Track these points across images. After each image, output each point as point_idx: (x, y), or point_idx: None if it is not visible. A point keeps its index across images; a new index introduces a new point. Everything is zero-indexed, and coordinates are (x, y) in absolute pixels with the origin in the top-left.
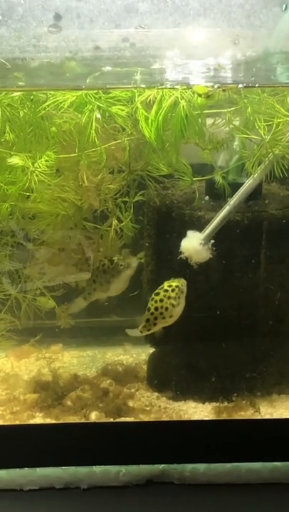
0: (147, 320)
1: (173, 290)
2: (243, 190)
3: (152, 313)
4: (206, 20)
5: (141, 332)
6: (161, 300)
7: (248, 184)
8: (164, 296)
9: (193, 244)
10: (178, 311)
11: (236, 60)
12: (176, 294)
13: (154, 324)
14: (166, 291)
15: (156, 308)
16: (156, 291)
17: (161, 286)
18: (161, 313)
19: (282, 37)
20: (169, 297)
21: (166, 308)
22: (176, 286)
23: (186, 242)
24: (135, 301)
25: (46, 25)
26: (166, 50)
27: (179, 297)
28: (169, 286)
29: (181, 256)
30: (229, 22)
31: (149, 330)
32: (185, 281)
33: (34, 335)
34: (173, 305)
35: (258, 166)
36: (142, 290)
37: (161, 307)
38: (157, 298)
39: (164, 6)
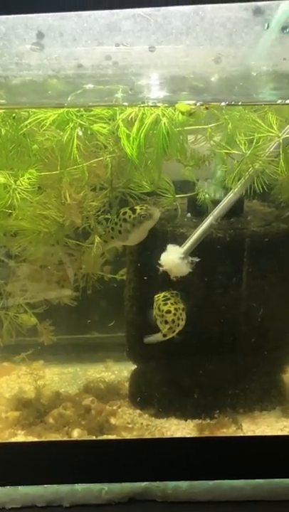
0: (166, 322)
1: (177, 295)
2: (223, 204)
3: (174, 314)
4: (188, 38)
5: (165, 335)
6: (176, 303)
7: (228, 199)
8: (176, 300)
9: (173, 258)
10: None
11: (219, 78)
12: (179, 300)
13: (178, 326)
14: (173, 296)
15: (175, 309)
16: (162, 299)
17: (162, 295)
18: (181, 315)
19: (264, 55)
20: (179, 301)
21: (182, 311)
22: (177, 294)
23: (165, 256)
24: (116, 318)
25: (29, 43)
26: (149, 68)
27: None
28: (172, 293)
29: (161, 269)
30: (211, 41)
31: (173, 332)
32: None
33: (15, 352)
34: (184, 308)
35: (238, 180)
36: (123, 307)
37: (178, 308)
38: (171, 301)
39: (146, 25)
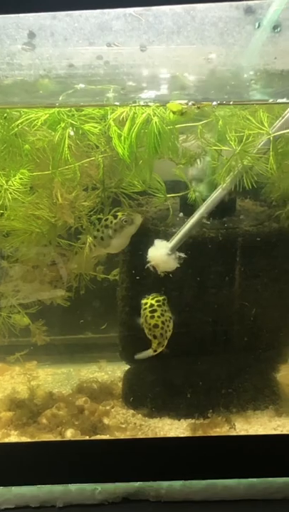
0: (155, 336)
1: (163, 303)
2: (211, 200)
3: (162, 328)
4: (179, 38)
5: (155, 351)
6: (162, 315)
7: (216, 194)
8: (163, 310)
9: (160, 253)
10: (172, 325)
11: (210, 78)
12: (168, 307)
13: (166, 338)
14: (159, 306)
15: (162, 322)
16: (149, 309)
17: (149, 304)
18: (168, 326)
19: (255, 54)
20: (166, 310)
21: (169, 321)
22: (164, 299)
23: (153, 251)
24: (109, 319)
25: (20, 43)
26: (140, 68)
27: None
28: (158, 300)
29: (149, 265)
30: (203, 40)
31: (163, 346)
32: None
33: (9, 353)
34: (170, 318)
35: (227, 176)
36: (116, 307)
37: (165, 321)
38: (157, 314)
39: (137, 25)
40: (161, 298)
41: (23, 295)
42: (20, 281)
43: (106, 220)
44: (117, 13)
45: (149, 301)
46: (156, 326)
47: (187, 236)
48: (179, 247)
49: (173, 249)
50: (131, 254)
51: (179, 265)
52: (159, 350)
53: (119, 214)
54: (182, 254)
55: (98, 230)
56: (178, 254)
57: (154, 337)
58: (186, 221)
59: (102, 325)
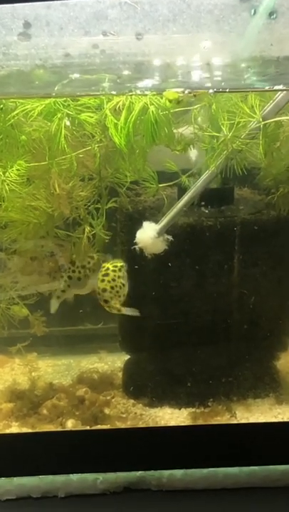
0: (105, 301)
1: (120, 270)
2: (201, 181)
3: (110, 292)
4: (175, 26)
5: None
6: (114, 280)
7: (206, 176)
8: (116, 276)
9: (148, 235)
10: (125, 291)
11: (206, 65)
12: (123, 273)
13: (117, 302)
14: (114, 271)
15: (112, 287)
16: (103, 272)
17: (105, 268)
18: (118, 292)
19: (251, 42)
20: (120, 276)
21: (120, 287)
22: (122, 266)
23: (141, 233)
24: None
25: (16, 33)
26: (136, 56)
27: (125, 276)
28: (115, 266)
29: (136, 247)
30: (199, 27)
31: (118, 310)
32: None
33: (9, 345)
34: (123, 284)
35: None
36: None
37: (115, 286)
38: (108, 278)
39: (133, 13)
40: (119, 264)
41: (21, 286)
42: (19, 272)
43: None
44: (112, 2)
45: (107, 265)
46: (104, 290)
47: (176, 219)
48: (170, 231)
49: (161, 232)
50: (129, 243)
51: (166, 247)
52: (114, 311)
53: (95, 255)
54: (170, 237)
55: (74, 271)
56: (166, 236)
57: (105, 301)
58: (184, 210)
59: (102, 316)
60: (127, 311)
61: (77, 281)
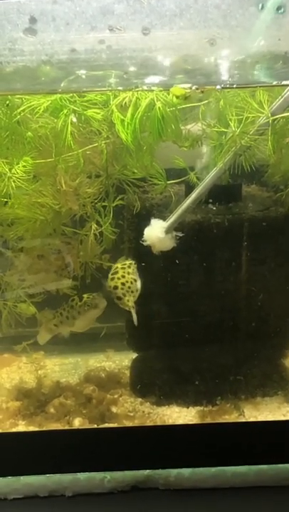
0: (119, 298)
1: (129, 267)
2: (209, 179)
3: (122, 288)
4: (182, 21)
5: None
6: (123, 276)
7: (214, 173)
8: (125, 272)
9: (156, 232)
10: (138, 286)
11: (214, 61)
12: (133, 269)
13: (131, 297)
14: (123, 268)
15: (122, 284)
16: (112, 271)
17: (114, 267)
18: (130, 287)
19: (259, 37)
20: (129, 273)
21: (131, 283)
22: (131, 263)
23: (149, 231)
24: (116, 307)
25: (21, 28)
26: (143, 52)
27: (136, 273)
28: (124, 264)
29: (144, 244)
30: (206, 23)
31: (131, 307)
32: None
33: (15, 343)
34: (135, 279)
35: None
36: None
37: (126, 282)
38: (118, 275)
39: (139, 8)
40: (128, 262)
41: (28, 285)
42: (26, 270)
43: (72, 300)
44: None
45: (116, 264)
46: (115, 287)
47: (184, 216)
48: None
49: (169, 229)
50: (136, 241)
51: (175, 245)
52: (128, 308)
53: (85, 296)
54: (179, 234)
55: (64, 310)
56: (174, 233)
57: (118, 299)
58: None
59: (109, 314)
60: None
61: (66, 319)
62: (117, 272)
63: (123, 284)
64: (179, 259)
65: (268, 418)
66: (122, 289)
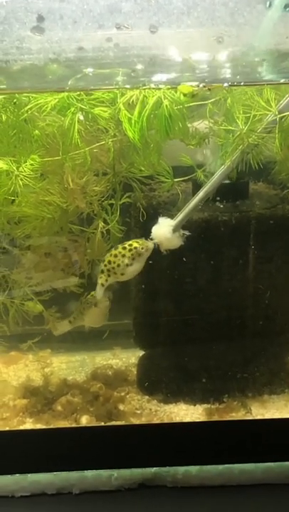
0: (102, 271)
1: (130, 250)
2: (216, 177)
3: (105, 265)
4: (189, 19)
5: (102, 285)
6: (116, 256)
7: (221, 172)
8: (119, 253)
9: (164, 230)
10: (131, 270)
11: (221, 59)
12: (132, 254)
13: (108, 276)
14: (123, 248)
15: (109, 262)
16: (117, 245)
17: (123, 243)
18: (113, 268)
19: (266, 34)
20: (124, 255)
21: (118, 265)
22: (135, 248)
23: (156, 229)
24: (123, 305)
25: (29, 26)
26: (150, 50)
27: (133, 258)
28: (129, 245)
29: (152, 242)
30: (213, 20)
31: (106, 280)
32: (150, 245)
33: (22, 341)
34: (127, 264)
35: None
36: (130, 293)
37: (114, 262)
38: (112, 253)
39: (147, 6)
40: (134, 245)
41: (35, 282)
42: (33, 268)
43: (124, 248)
44: None
45: (126, 242)
46: (104, 260)
47: (191, 214)
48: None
49: (177, 227)
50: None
51: (182, 243)
52: (102, 283)
53: (92, 294)
54: (186, 232)
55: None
56: (182, 232)
57: (101, 271)
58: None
59: (116, 312)
60: (98, 293)
61: (80, 314)
62: (117, 248)
63: (109, 262)
64: (185, 256)
65: (275, 416)
66: (106, 265)
